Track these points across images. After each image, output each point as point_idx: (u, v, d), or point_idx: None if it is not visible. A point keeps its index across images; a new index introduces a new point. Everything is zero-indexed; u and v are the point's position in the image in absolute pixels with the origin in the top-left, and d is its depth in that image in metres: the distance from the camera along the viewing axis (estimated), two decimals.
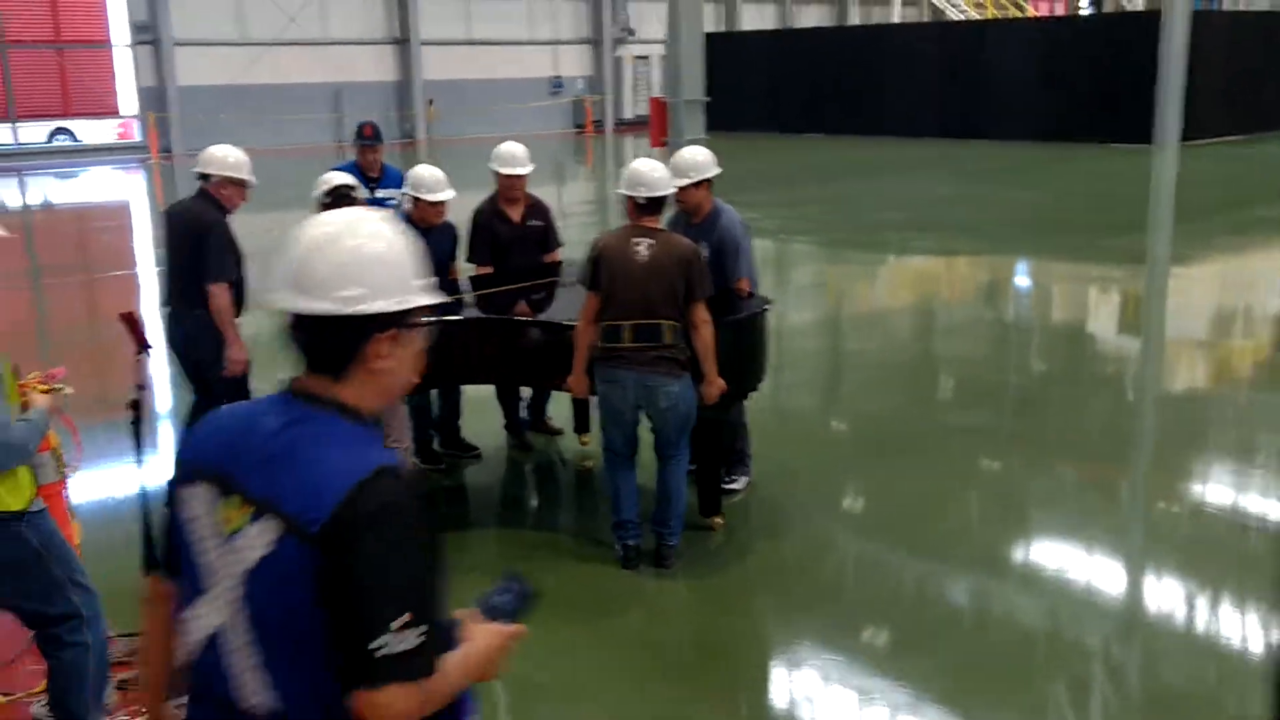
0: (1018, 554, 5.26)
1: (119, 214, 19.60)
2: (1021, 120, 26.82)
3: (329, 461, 1.75)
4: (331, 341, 1.82)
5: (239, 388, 5.42)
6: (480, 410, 6.62)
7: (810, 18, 41.69)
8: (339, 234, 1.85)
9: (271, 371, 7.16)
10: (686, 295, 4.70)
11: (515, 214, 6.23)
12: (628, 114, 37.65)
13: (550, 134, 34.39)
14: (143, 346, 4.05)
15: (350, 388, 1.84)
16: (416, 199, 5.81)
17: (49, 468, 3.68)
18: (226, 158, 5.44)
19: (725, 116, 24.26)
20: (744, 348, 5.19)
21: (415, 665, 1.71)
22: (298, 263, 1.83)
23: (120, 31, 28.61)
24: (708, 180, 5.44)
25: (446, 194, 5.82)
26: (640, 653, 4.37)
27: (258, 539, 1.74)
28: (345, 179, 5.40)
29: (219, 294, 5.25)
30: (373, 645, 1.67)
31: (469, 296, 5.98)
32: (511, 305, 5.77)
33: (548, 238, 6.41)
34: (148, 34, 28.32)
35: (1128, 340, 9.99)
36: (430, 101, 32.84)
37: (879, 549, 5.27)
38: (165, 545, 1.93)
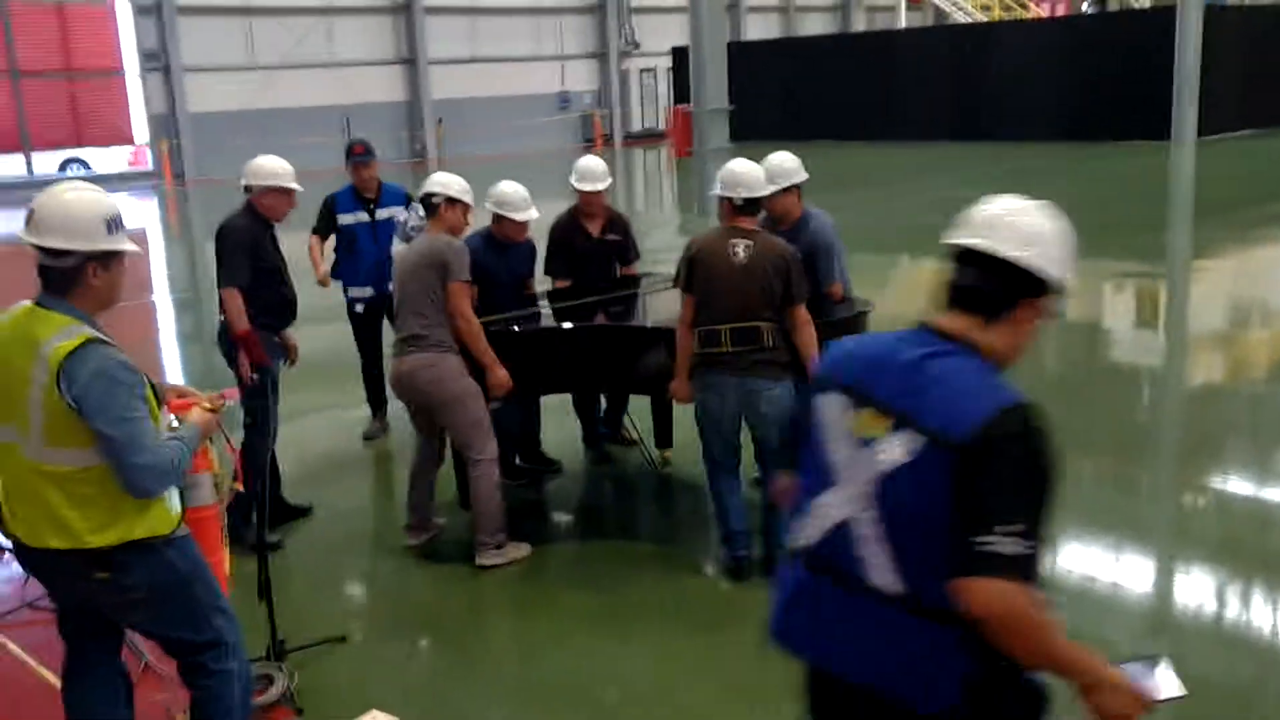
0: (1073, 552, 5.16)
1: (136, 241, 19.50)
2: (1034, 121, 26.77)
3: (973, 388, 2.06)
4: (1001, 288, 2.13)
5: (255, 396, 5.21)
6: (556, 423, 6.54)
7: (814, 25, 41.74)
8: (1032, 209, 2.20)
9: (308, 389, 7.06)
10: (785, 298, 4.63)
11: (594, 228, 6.18)
12: (635, 126, 37.67)
13: (560, 149, 34.38)
14: (263, 369, 3.95)
15: (992, 333, 2.13)
16: (501, 217, 5.70)
17: (205, 489, 3.59)
18: (268, 167, 5.45)
19: (738, 125, 24.21)
20: None
21: (1011, 567, 1.93)
22: (1009, 221, 2.15)
23: (130, 59, 28.66)
24: (796, 186, 5.39)
25: (531, 213, 5.68)
26: (753, 668, 4.26)
27: (897, 447, 2.07)
28: (440, 182, 5.32)
29: (226, 299, 5.27)
30: (978, 539, 1.94)
31: (550, 307, 5.90)
32: (593, 315, 5.69)
33: (626, 251, 6.36)
34: (157, 61, 28.34)
35: (1180, 335, 9.88)
36: (440, 120, 32.86)
37: None
38: (794, 447, 2.35)
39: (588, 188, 6.02)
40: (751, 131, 26.69)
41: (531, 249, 6.04)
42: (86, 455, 2.89)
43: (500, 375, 5.08)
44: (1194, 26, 23.53)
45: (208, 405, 3.25)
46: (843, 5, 42.76)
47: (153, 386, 3.06)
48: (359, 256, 6.84)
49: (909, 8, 38.66)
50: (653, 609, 4.71)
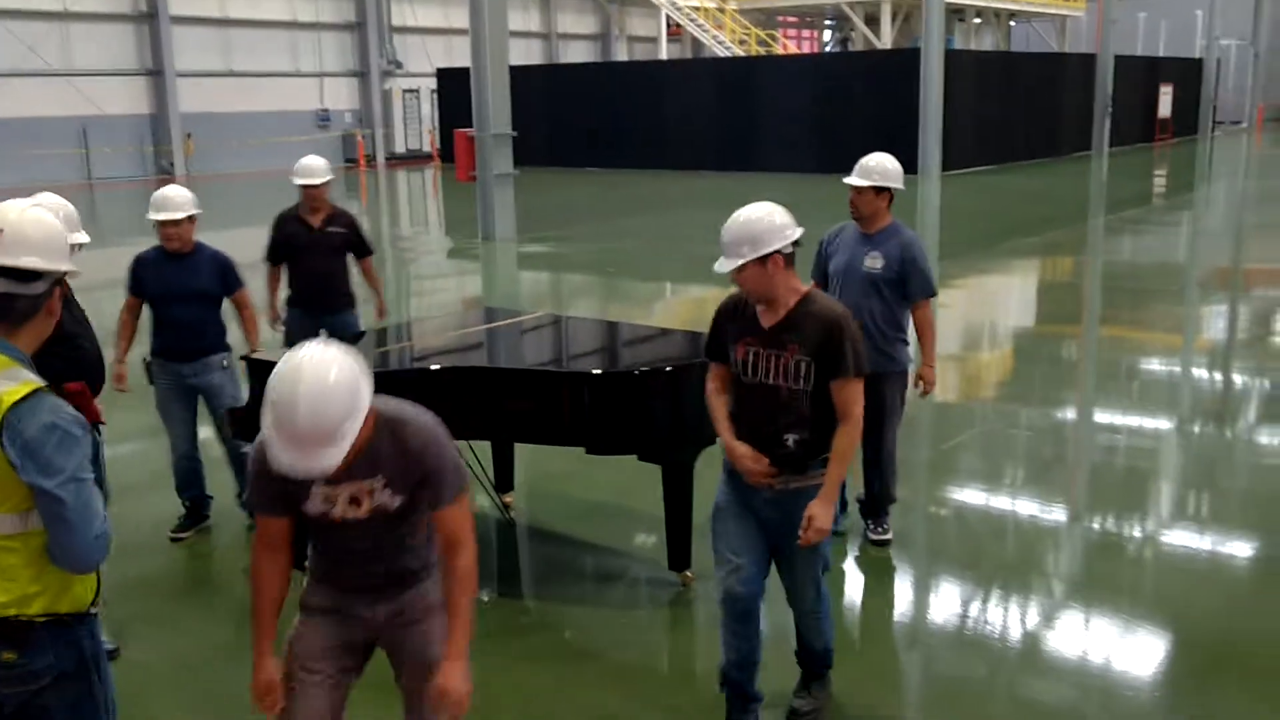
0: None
1: None
2: (792, 153, 27.97)
3: None
4: None
5: None
6: None
7: (576, 53, 42.19)
8: None
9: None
10: None
11: (315, 220, 6.73)
12: (399, 148, 36.87)
13: None
14: (93, 423, 3.48)
15: None
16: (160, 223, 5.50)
17: None
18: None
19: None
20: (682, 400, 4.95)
21: None
22: None
23: None
24: (889, 192, 5.20)
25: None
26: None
27: None
28: None
29: None
30: None
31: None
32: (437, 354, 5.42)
33: (352, 244, 6.85)
34: None
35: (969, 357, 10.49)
36: (189, 135, 31.07)
37: None
38: None
39: (301, 182, 6.61)
40: (520, 158, 26.72)
41: (213, 261, 5.60)
42: (14, 521, 2.48)
43: None
44: (936, 67, 25.25)
45: None
46: (604, 34, 43.44)
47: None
48: None
49: (669, 39, 39.66)
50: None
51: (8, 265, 2.51)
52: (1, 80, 27.59)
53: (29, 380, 2.49)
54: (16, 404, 2.43)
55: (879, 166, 5.17)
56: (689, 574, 5.08)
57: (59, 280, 2.61)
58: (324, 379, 2.56)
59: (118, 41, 30.10)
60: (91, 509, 2.50)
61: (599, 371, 4.86)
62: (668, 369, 4.78)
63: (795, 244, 3.60)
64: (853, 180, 5.18)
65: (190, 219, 5.50)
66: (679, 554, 5.04)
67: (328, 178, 6.66)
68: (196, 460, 5.82)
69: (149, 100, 30.80)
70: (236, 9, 32.34)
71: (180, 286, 5.51)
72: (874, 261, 5.16)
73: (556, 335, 6.10)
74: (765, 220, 3.59)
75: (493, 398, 4.85)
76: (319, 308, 6.66)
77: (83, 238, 4.21)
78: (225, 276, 5.63)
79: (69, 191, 26.13)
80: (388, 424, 2.81)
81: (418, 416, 2.87)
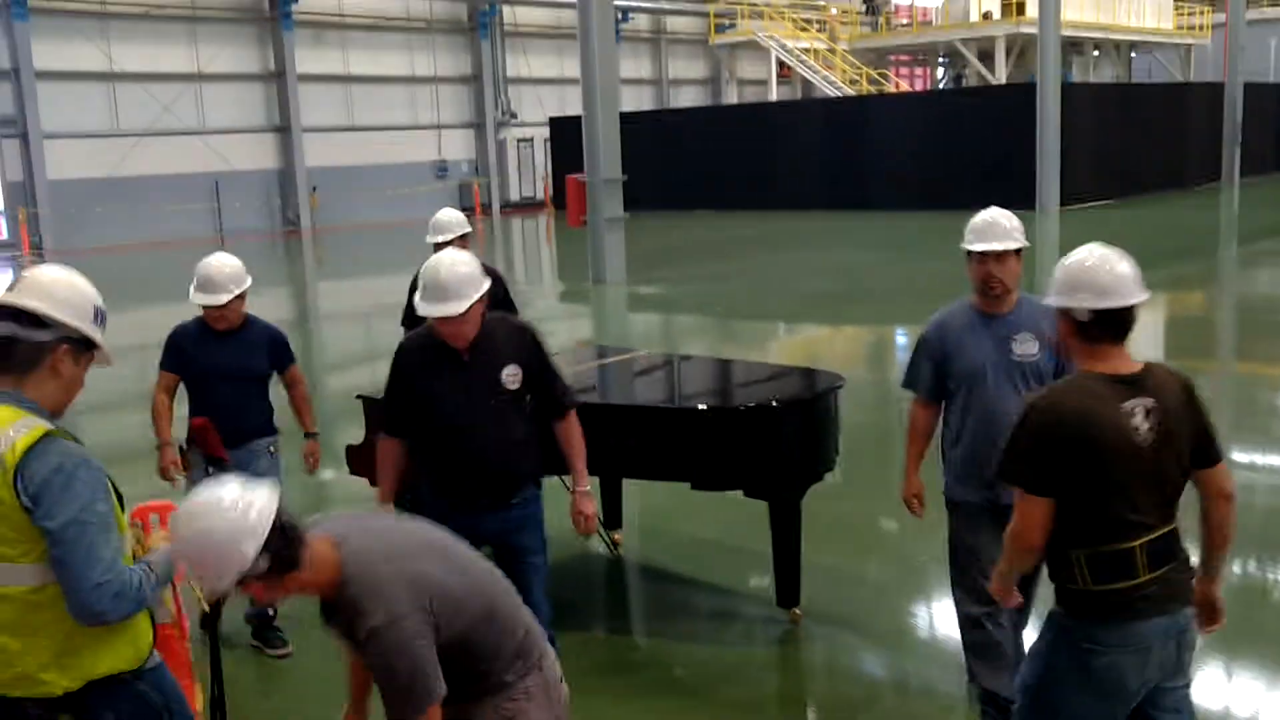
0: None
1: None
2: (903, 190, 27.65)
3: None
4: None
5: None
6: None
7: (686, 98, 42.54)
8: None
9: None
10: (1197, 460, 3.01)
11: None
12: (513, 195, 37.61)
13: None
14: (217, 461, 3.59)
15: None
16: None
17: (163, 605, 3.18)
18: (439, 279, 4.02)
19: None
20: (815, 429, 4.91)
21: None
22: None
23: None
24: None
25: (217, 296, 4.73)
26: None
27: None
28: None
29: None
30: None
31: None
32: None
33: (502, 304, 6.08)
34: (14, 127, 27.09)
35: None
36: (314, 189, 32.20)
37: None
38: None
39: (439, 239, 5.72)
40: (631, 202, 26.98)
41: (266, 336, 5.05)
42: (42, 571, 2.46)
43: None
44: (1053, 102, 24.73)
45: (165, 532, 2.88)
46: (714, 78, 43.73)
47: (118, 495, 2.65)
48: None
49: (779, 81, 39.72)
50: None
51: (12, 305, 2.53)
52: (141, 140, 29.05)
53: (41, 425, 2.50)
54: (30, 449, 2.44)
55: (1011, 223, 3.91)
56: (798, 611, 4.97)
57: (71, 340, 2.57)
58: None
59: (248, 100, 31.45)
60: (94, 554, 2.44)
61: (704, 407, 4.81)
62: (773, 404, 4.70)
63: (1102, 315, 2.82)
64: (993, 245, 3.83)
65: (240, 297, 4.83)
66: (788, 591, 4.94)
67: (466, 230, 5.87)
68: None
69: (276, 155, 32.05)
70: (359, 65, 33.54)
71: (230, 366, 4.87)
72: (1026, 347, 3.87)
73: (666, 372, 6.07)
74: (1069, 266, 2.92)
75: (601, 433, 4.83)
76: None
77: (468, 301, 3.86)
78: (281, 354, 5.10)
79: (201, 245, 27.29)
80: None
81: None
